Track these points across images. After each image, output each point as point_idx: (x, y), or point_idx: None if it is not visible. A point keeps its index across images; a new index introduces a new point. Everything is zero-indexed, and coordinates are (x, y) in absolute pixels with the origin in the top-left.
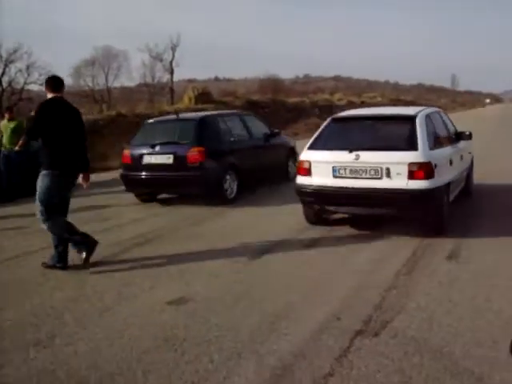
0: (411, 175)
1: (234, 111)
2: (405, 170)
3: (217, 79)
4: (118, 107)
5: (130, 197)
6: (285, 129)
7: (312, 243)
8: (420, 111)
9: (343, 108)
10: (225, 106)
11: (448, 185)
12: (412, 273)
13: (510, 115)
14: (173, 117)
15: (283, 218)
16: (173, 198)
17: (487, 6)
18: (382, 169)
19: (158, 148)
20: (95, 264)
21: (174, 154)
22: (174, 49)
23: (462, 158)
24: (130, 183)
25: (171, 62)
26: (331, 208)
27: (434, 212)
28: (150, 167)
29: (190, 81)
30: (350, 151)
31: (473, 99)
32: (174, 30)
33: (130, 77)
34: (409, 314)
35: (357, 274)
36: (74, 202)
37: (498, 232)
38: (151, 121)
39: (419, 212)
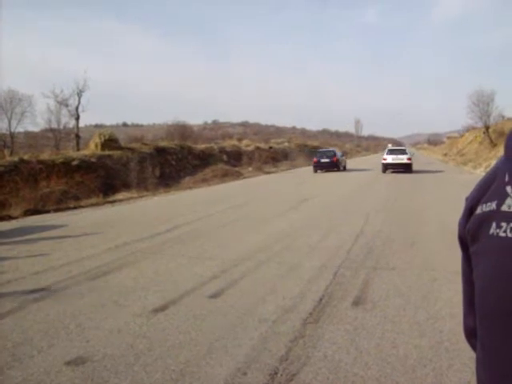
0: (407, 160)
1: (334, 148)
2: (406, 158)
3: (125, 125)
4: (22, 153)
5: (31, 248)
6: (193, 175)
7: (217, 293)
8: (406, 148)
9: (251, 153)
10: (131, 153)
11: (412, 163)
12: (319, 321)
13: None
14: (325, 148)
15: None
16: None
17: (373, 54)
18: (401, 158)
19: (325, 156)
20: None
21: (330, 158)
22: (79, 94)
23: (412, 156)
24: (316, 167)
25: (77, 108)
26: (391, 168)
27: (410, 168)
28: (322, 162)
29: (98, 126)
30: (395, 155)
31: (376, 144)
32: (81, 75)
33: (34, 122)
34: (315, 364)
35: (263, 324)
36: None
37: (403, 276)
38: (319, 150)
39: (408, 168)
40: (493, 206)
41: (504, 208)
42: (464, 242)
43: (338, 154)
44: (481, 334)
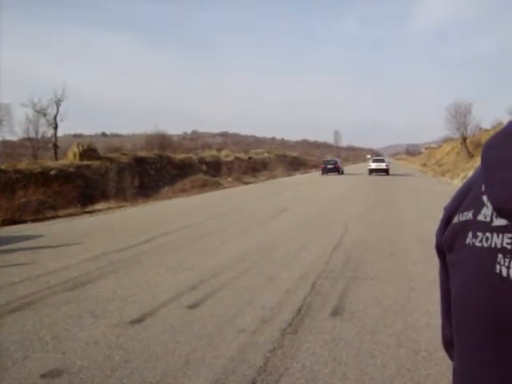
0: (386, 166)
1: (336, 158)
2: (385, 165)
3: (104, 134)
4: None
5: (8, 258)
6: (172, 185)
7: (196, 304)
8: (384, 158)
9: (230, 164)
10: (110, 163)
11: (389, 168)
12: (297, 332)
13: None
14: (330, 158)
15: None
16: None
17: (352, 65)
18: (382, 165)
19: (330, 163)
20: None
21: (334, 165)
22: (58, 103)
23: (389, 164)
24: (323, 170)
25: (55, 117)
26: (375, 172)
27: (388, 172)
28: (328, 168)
29: (76, 136)
30: (377, 163)
31: (355, 154)
32: (59, 84)
33: (12, 131)
34: (294, 375)
35: (241, 335)
36: None
37: (382, 285)
38: (325, 159)
39: (386, 172)
40: (469, 215)
41: (480, 218)
42: (441, 252)
43: (339, 161)
44: (457, 344)
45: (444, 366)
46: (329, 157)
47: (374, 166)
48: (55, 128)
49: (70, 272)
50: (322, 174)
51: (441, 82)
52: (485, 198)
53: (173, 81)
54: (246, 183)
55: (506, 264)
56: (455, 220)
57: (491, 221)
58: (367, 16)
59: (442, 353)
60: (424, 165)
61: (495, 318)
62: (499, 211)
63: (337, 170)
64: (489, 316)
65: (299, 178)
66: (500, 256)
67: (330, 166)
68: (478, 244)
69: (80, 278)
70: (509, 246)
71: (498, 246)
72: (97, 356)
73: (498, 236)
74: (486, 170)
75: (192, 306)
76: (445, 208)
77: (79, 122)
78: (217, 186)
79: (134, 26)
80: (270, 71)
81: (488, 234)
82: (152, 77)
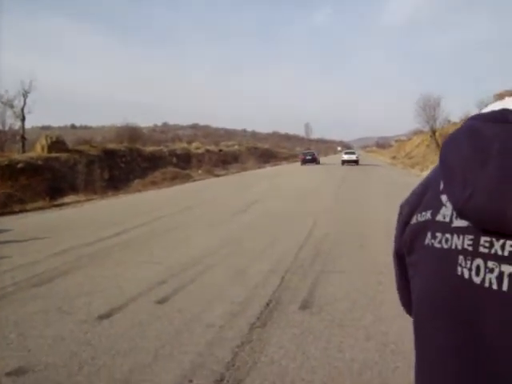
0: (356, 157)
1: (314, 150)
2: (355, 157)
3: (73, 126)
4: None
5: None
6: (142, 178)
7: (165, 299)
8: (355, 150)
9: (201, 156)
10: (79, 156)
11: (359, 159)
12: (266, 326)
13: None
14: (307, 150)
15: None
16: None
17: (322, 58)
18: (353, 156)
19: (309, 154)
20: None
21: (312, 156)
22: (25, 95)
23: (359, 156)
24: (303, 161)
25: (22, 109)
26: (346, 162)
27: (358, 162)
28: (307, 158)
29: (45, 128)
30: (349, 155)
31: (326, 147)
32: (26, 75)
33: None
34: (262, 370)
35: (210, 330)
36: None
37: (350, 278)
38: (303, 151)
39: (356, 163)
40: (428, 215)
41: (439, 218)
42: (400, 256)
43: (316, 153)
44: (416, 343)
45: (412, 358)
46: (298, 149)
47: (346, 157)
48: (23, 120)
49: (37, 267)
50: (302, 164)
51: (411, 75)
52: (444, 197)
53: (142, 73)
54: (217, 176)
55: (468, 266)
56: (413, 220)
57: (451, 221)
58: (337, 9)
59: (410, 345)
60: (394, 157)
61: (458, 321)
62: (460, 212)
63: (314, 160)
64: (451, 318)
65: (270, 170)
66: (461, 258)
67: (308, 157)
68: (437, 245)
69: (47, 273)
70: (470, 248)
71: (459, 247)
72: (63, 353)
73: (458, 237)
74: (445, 169)
75: (161, 301)
76: (401, 206)
77: (47, 114)
78: (187, 178)
79: (102, 17)
80: (240, 63)
81: (448, 235)
82: (122, 69)
